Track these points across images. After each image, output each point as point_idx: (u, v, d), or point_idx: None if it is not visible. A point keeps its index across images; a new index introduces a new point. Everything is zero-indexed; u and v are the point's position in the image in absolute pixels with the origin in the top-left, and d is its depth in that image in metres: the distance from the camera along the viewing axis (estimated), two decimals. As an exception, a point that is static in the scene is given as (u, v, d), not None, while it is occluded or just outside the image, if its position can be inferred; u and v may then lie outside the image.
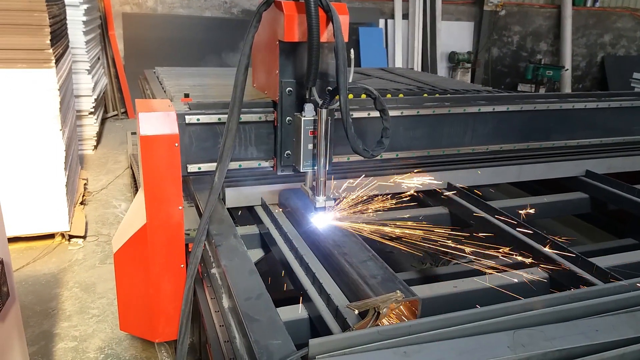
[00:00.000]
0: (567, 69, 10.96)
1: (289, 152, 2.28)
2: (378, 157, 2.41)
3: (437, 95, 3.53)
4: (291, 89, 2.18)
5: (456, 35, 10.67)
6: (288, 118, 2.22)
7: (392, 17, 10.04)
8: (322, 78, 2.11)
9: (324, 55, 2.03)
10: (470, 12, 10.84)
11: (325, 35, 2.00)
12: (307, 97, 2.12)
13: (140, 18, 8.71)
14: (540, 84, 10.47)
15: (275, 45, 2.11)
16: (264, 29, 2.17)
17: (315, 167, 2.17)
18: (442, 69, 10.55)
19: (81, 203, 4.69)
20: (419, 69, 9.95)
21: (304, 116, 2.12)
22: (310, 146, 2.15)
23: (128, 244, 2.19)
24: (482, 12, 10.67)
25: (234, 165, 2.42)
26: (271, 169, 2.49)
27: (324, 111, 2.05)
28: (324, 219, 2.19)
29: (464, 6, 10.78)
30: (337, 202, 2.30)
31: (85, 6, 6.36)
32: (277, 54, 2.12)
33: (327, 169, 2.14)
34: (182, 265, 2.22)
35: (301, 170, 2.22)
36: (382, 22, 10.08)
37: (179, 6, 8.95)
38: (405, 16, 10.07)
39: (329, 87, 2.09)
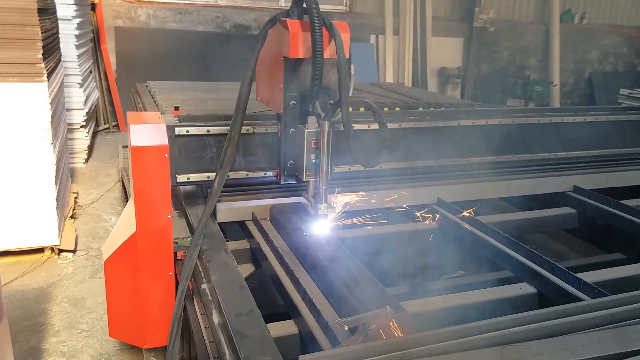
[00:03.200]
0: (556, 85, 11.10)
1: (292, 161, 2.36)
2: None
3: (431, 109, 3.59)
4: (295, 102, 2.26)
5: (446, 51, 10.77)
6: (291, 129, 2.31)
7: (383, 33, 10.14)
8: (324, 92, 2.20)
9: (326, 71, 2.13)
10: (460, 28, 10.97)
11: (328, 52, 2.10)
12: (311, 110, 2.20)
13: (132, 32, 8.73)
14: (530, 100, 10.59)
15: (280, 61, 2.21)
16: (270, 45, 2.26)
17: (318, 177, 2.25)
18: (432, 84, 10.64)
19: (71, 217, 4.66)
20: (410, 84, 10.04)
21: (307, 128, 2.21)
22: (313, 156, 2.24)
23: (118, 251, 2.23)
24: (472, 28, 10.81)
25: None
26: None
27: (327, 123, 2.15)
28: (319, 229, 2.25)
29: (454, 22, 10.92)
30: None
31: (77, 20, 6.37)
32: (282, 69, 2.21)
33: (328, 178, 2.24)
34: (170, 273, 2.26)
35: (304, 179, 2.30)
36: (373, 37, 10.17)
37: (172, 20, 8.99)
38: (396, 32, 10.17)
39: (331, 101, 2.18)
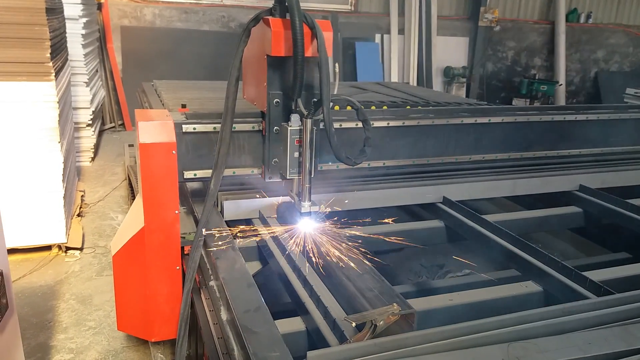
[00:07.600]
0: (561, 84, 11.08)
1: (276, 159, 2.38)
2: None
3: (419, 107, 3.58)
4: (278, 100, 2.27)
5: (451, 50, 10.77)
6: (275, 127, 2.32)
7: (389, 32, 10.14)
8: (307, 90, 2.20)
9: (309, 69, 2.13)
10: (465, 28, 10.96)
11: (310, 50, 2.10)
12: (294, 107, 2.20)
13: (138, 31, 8.77)
14: (535, 99, 10.57)
15: (264, 59, 2.20)
16: (253, 43, 2.26)
17: (301, 174, 2.25)
18: (437, 83, 10.64)
19: (78, 215, 4.69)
20: (415, 84, 10.04)
21: (290, 126, 2.21)
22: (296, 154, 2.24)
23: (126, 246, 2.26)
24: (477, 28, 10.80)
25: (228, 172, 2.48)
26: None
27: (309, 121, 2.15)
28: (313, 228, 2.25)
29: (459, 22, 10.91)
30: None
31: (84, 19, 6.41)
32: (265, 68, 2.21)
33: (312, 175, 2.22)
34: (177, 267, 2.29)
35: (287, 177, 2.30)
36: (378, 37, 10.18)
37: (177, 20, 9.02)
38: (401, 31, 10.18)
39: (314, 99, 2.18)
